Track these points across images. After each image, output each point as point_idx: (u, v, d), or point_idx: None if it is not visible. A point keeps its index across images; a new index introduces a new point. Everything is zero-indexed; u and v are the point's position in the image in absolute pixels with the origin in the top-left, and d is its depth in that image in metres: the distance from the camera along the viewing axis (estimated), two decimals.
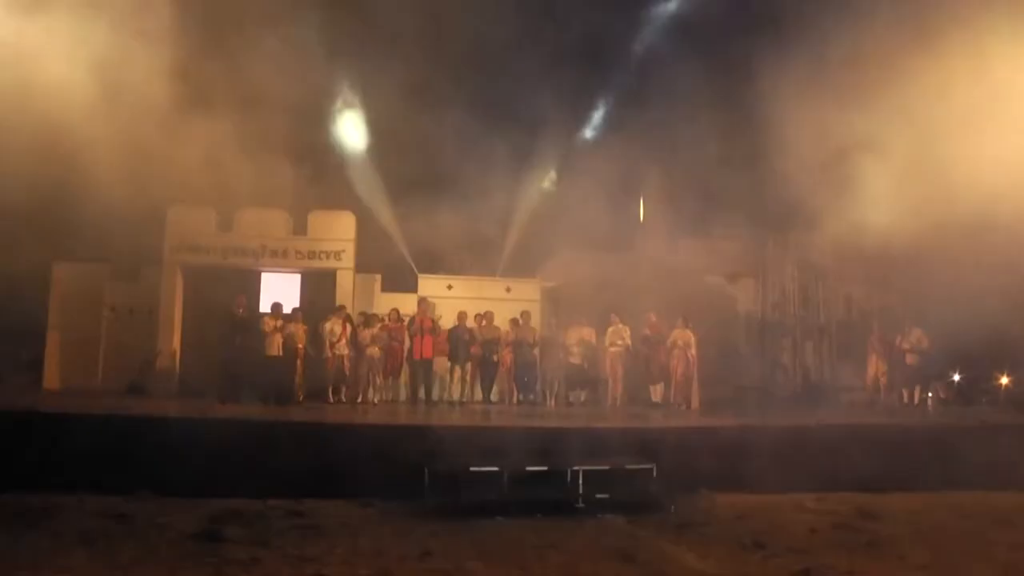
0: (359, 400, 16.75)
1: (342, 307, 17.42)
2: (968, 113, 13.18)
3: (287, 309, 16.71)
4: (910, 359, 17.52)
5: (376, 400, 16.87)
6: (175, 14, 13.62)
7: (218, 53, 14.83)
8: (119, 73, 13.25)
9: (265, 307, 17.75)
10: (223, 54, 14.84)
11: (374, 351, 16.86)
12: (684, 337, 17.10)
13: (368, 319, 17.33)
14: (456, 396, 17.45)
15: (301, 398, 16.24)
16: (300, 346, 16.33)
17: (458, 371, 17.55)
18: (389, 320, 17.36)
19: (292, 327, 16.38)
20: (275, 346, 16.03)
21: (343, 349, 16.54)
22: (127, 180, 14.29)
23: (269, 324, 16.12)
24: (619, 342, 17.45)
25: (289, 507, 10.07)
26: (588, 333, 17.63)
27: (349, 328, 16.78)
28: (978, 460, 11.98)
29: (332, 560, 7.92)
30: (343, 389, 16.76)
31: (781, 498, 11.19)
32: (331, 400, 16.51)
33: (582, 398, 17.67)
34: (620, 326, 17.51)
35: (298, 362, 16.39)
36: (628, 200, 19.77)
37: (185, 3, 13.97)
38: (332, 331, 16.58)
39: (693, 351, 17.02)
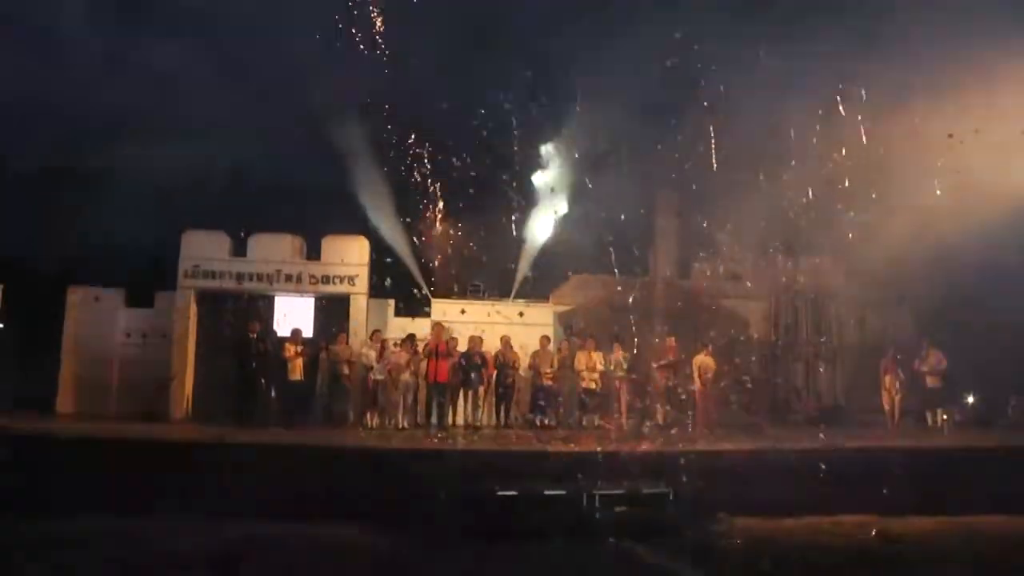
0: (392, 425, 16.72)
1: (378, 331, 17.48)
2: None
3: (307, 333, 16.86)
4: (930, 382, 17.37)
5: (405, 424, 16.79)
6: None
7: None
8: None
9: (280, 332, 17.80)
10: None
11: (406, 376, 16.86)
12: (706, 363, 17.19)
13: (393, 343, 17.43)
14: (470, 420, 17.40)
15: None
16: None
17: (471, 395, 17.52)
18: (408, 345, 17.34)
19: (338, 349, 16.73)
20: (297, 370, 16.10)
21: (379, 374, 16.56)
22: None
23: (290, 349, 16.17)
24: (621, 369, 17.49)
25: (305, 531, 10.05)
26: (596, 357, 17.63)
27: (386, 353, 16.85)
28: (995, 484, 11.92)
29: None
30: (375, 414, 16.78)
31: (797, 522, 11.15)
32: (371, 425, 16.51)
33: (596, 422, 17.61)
34: (622, 354, 17.55)
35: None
36: (641, 223, 19.73)
37: None
38: (368, 356, 16.62)
39: (710, 375, 17.11)
